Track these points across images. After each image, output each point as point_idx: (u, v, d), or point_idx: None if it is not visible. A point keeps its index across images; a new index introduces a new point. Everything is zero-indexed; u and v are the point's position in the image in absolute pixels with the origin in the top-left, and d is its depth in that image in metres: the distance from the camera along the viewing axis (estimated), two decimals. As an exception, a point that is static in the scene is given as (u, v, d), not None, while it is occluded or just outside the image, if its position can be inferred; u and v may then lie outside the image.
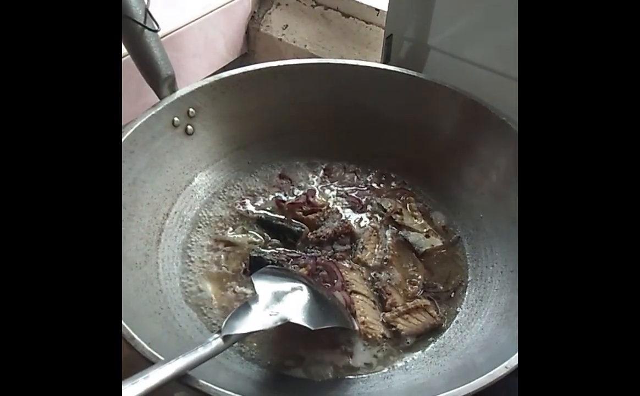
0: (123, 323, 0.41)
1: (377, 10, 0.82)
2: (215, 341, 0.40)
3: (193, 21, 0.82)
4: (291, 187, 0.66)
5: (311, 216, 0.61)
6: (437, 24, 0.74)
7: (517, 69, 0.67)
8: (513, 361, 0.40)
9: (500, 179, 0.60)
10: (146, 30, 0.55)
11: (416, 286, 0.56)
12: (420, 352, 0.51)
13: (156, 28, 0.56)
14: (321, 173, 0.68)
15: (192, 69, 0.87)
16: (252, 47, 0.95)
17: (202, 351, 0.39)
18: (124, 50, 0.58)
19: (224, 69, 0.94)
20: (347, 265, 0.57)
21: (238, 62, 0.95)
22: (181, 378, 0.38)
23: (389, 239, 0.60)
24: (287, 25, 0.91)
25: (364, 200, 0.65)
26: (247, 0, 0.91)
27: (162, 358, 0.39)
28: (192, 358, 0.38)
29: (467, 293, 0.56)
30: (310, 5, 0.89)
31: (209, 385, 0.38)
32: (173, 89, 0.60)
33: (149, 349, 0.40)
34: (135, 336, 0.40)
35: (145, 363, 0.39)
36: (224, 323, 0.41)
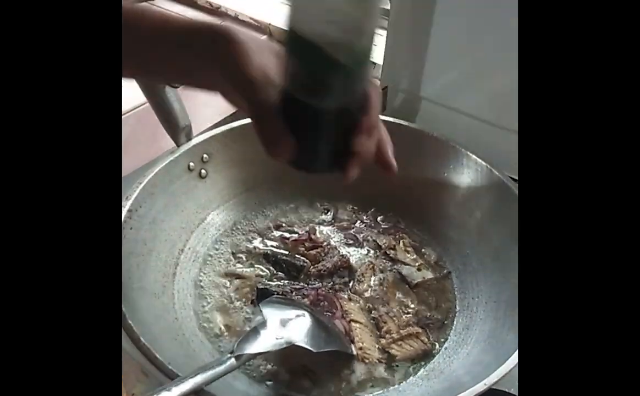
0: (147, 344, 0.46)
1: (374, 63, 0.86)
2: (229, 360, 0.45)
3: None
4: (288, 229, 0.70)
5: (313, 252, 0.66)
6: (428, 76, 0.81)
7: (502, 118, 0.74)
8: (492, 378, 0.45)
9: (485, 218, 0.65)
10: (167, 86, 0.61)
11: (409, 316, 0.60)
12: (412, 376, 0.55)
13: (176, 85, 0.62)
14: (322, 212, 0.73)
15: (202, 115, 0.93)
16: (257, 96, 1.00)
17: (217, 369, 0.43)
18: (142, 99, 0.64)
19: (231, 116, 1.00)
20: (345, 296, 0.61)
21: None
22: (198, 393, 0.42)
23: (384, 272, 0.65)
24: (290, 77, 0.96)
25: (361, 237, 0.69)
26: (254, 54, 0.98)
27: (181, 375, 0.43)
28: (208, 374, 0.43)
29: (455, 322, 0.60)
30: (312, 59, 0.95)
31: (224, 399, 0.43)
32: (189, 137, 0.65)
33: (169, 367, 0.44)
34: (158, 356, 0.45)
35: (166, 380, 0.44)
36: (235, 344, 0.46)
